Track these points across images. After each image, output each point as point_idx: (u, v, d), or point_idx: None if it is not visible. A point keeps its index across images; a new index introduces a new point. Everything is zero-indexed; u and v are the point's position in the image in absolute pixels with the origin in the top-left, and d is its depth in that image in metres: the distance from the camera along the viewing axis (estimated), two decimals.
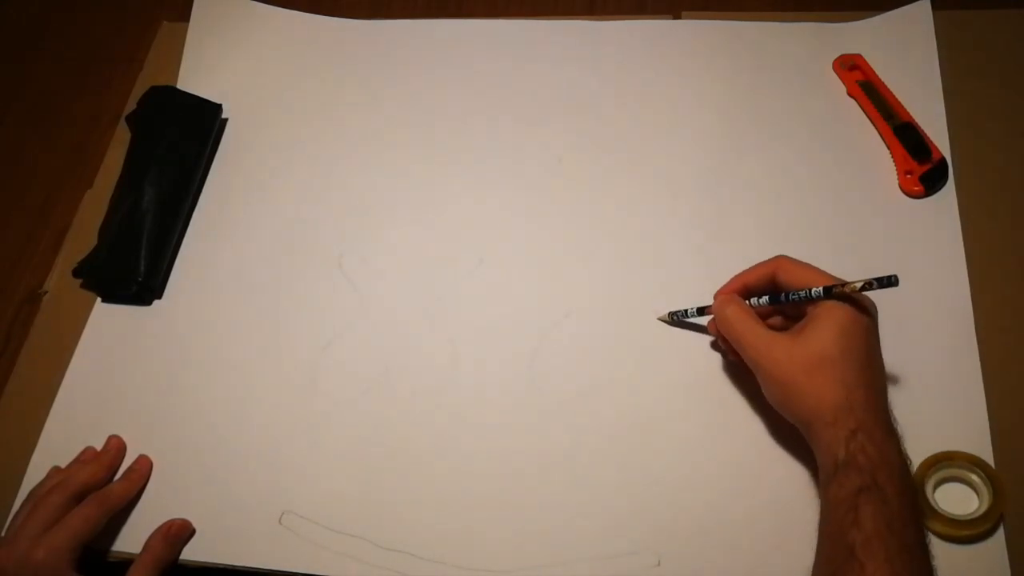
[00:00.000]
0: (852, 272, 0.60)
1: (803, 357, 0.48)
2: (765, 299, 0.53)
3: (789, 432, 0.52)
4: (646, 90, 0.70)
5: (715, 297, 0.55)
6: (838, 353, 0.47)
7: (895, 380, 0.56)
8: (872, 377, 0.48)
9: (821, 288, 0.49)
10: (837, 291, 0.49)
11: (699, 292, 0.59)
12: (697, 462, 0.54)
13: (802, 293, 0.50)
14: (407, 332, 0.61)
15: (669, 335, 0.59)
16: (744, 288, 0.54)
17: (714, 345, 0.58)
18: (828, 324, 0.48)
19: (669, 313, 0.59)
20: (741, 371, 0.55)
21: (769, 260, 0.53)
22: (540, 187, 0.67)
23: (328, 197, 0.68)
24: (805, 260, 0.60)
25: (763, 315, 0.54)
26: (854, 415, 0.46)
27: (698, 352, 0.58)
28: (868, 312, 0.49)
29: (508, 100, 0.71)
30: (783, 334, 0.51)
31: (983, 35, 0.70)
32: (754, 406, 0.55)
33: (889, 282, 0.47)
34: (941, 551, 0.50)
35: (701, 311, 0.57)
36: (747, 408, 0.55)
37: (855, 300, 0.49)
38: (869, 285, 0.47)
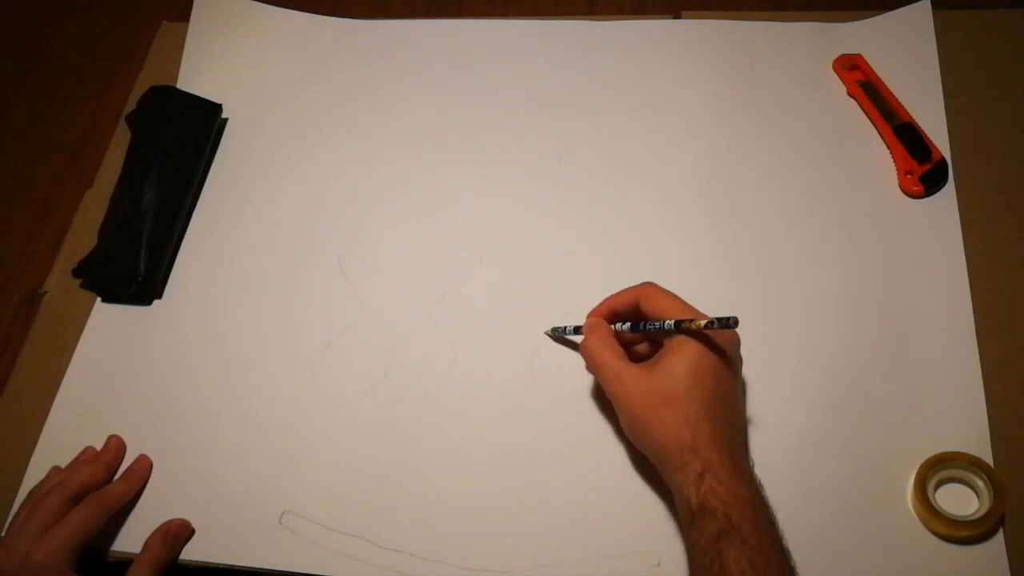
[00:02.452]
0: (854, 271, 0.60)
1: (652, 392, 0.49)
2: (628, 325, 0.53)
3: (788, 434, 0.52)
4: (646, 90, 0.70)
5: (586, 319, 0.56)
6: (684, 390, 0.48)
7: (896, 380, 0.56)
8: (720, 414, 0.48)
9: (672, 322, 0.49)
10: (685, 327, 0.49)
11: (697, 292, 0.59)
12: None
13: (656, 324, 0.51)
14: (407, 332, 0.61)
15: None
16: (611, 312, 0.54)
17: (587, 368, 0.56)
18: (678, 360, 0.49)
19: (552, 328, 0.59)
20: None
21: (636, 286, 0.53)
22: (540, 187, 0.67)
23: (328, 197, 0.68)
24: (806, 258, 0.60)
25: (632, 341, 0.54)
26: (699, 456, 0.46)
27: None
28: (720, 350, 0.49)
29: (508, 100, 0.71)
30: (638, 366, 0.51)
31: (983, 35, 0.70)
32: (754, 407, 0.55)
33: (727, 323, 0.47)
34: (941, 551, 0.50)
35: (577, 330, 0.57)
36: (747, 408, 0.55)
37: (708, 338, 0.49)
38: (711, 324, 0.48)
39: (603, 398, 0.57)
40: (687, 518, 0.46)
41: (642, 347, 0.55)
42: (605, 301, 0.55)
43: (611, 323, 0.54)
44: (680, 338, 0.49)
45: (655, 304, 0.51)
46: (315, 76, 0.75)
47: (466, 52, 0.75)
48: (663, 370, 0.49)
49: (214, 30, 0.77)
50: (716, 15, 0.74)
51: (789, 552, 0.45)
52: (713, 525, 0.44)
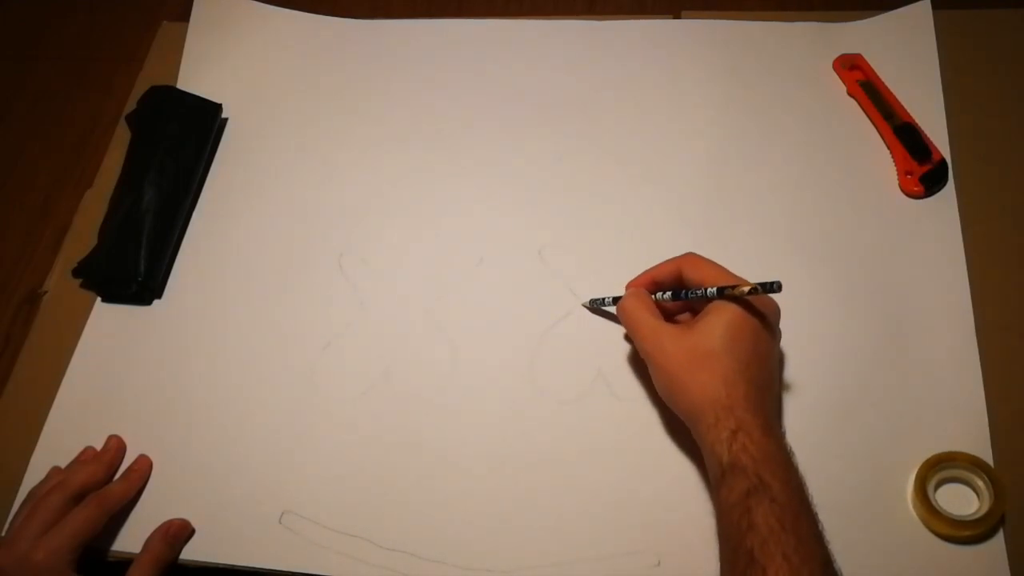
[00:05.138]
0: (854, 271, 0.60)
1: (689, 350, 0.49)
2: (668, 295, 0.54)
3: (789, 433, 0.52)
4: (646, 90, 0.70)
5: (626, 289, 0.57)
6: (721, 349, 0.48)
7: (896, 380, 0.56)
8: (755, 375, 0.49)
9: (715, 288, 0.50)
10: (728, 293, 0.50)
11: None
12: (697, 462, 0.54)
13: (699, 292, 0.52)
14: (407, 332, 0.61)
15: None
16: (652, 282, 0.56)
17: (625, 336, 0.59)
18: (716, 321, 0.49)
19: (590, 300, 0.60)
20: None
21: (679, 256, 0.54)
22: (540, 186, 0.67)
23: (328, 197, 0.68)
24: (806, 258, 0.61)
25: (671, 311, 0.56)
26: (734, 415, 0.47)
27: None
28: (760, 314, 0.50)
29: (508, 100, 0.71)
30: (675, 326, 0.52)
31: (983, 35, 0.70)
32: None
33: (771, 287, 0.48)
34: (941, 551, 0.50)
35: (616, 300, 0.57)
36: None
37: (748, 302, 0.50)
38: (755, 289, 0.48)
39: (602, 398, 0.57)
40: (717, 475, 0.47)
41: (683, 317, 0.56)
42: (646, 272, 0.56)
43: (652, 292, 0.55)
44: (720, 301, 0.50)
45: (698, 272, 0.52)
46: (315, 76, 0.75)
47: (466, 52, 0.75)
48: (702, 329, 0.50)
49: (214, 30, 0.77)
50: (716, 15, 0.74)
51: (817, 515, 0.45)
52: (743, 482, 0.45)
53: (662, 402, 0.56)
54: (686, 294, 0.53)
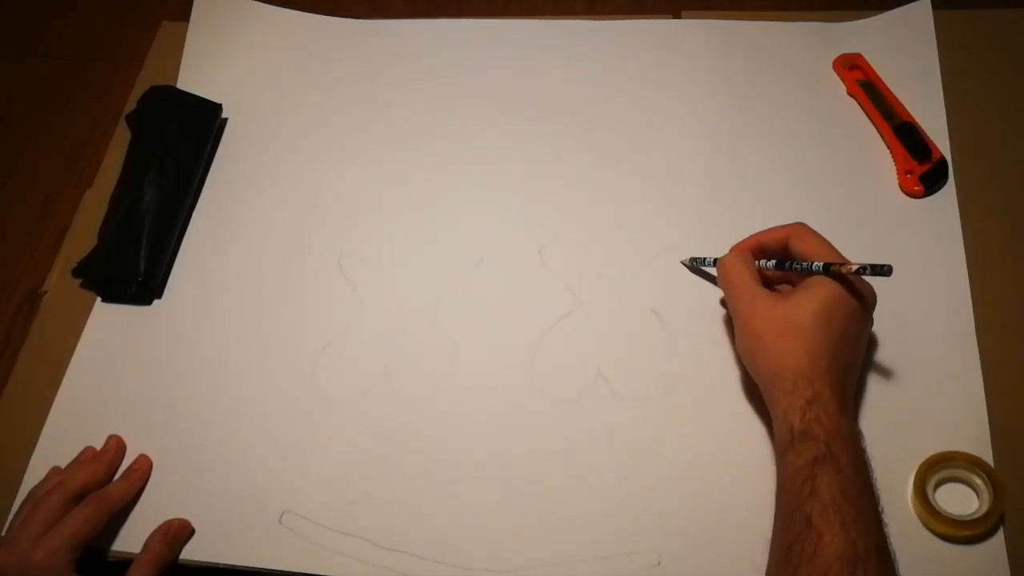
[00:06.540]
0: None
1: (780, 317, 0.50)
2: (772, 263, 0.54)
3: None
4: (646, 90, 0.70)
5: (730, 250, 0.57)
6: (812, 323, 0.49)
7: (896, 380, 0.56)
8: (841, 354, 0.49)
9: (821, 264, 0.51)
10: (834, 270, 0.50)
11: (699, 292, 0.59)
12: (697, 462, 0.54)
13: (804, 264, 0.52)
14: (407, 332, 0.61)
15: (671, 336, 0.59)
16: (758, 247, 0.56)
17: (722, 301, 0.59)
18: (813, 295, 0.50)
19: (691, 258, 0.60)
20: (744, 375, 0.55)
21: (788, 225, 0.55)
22: (540, 186, 0.67)
23: (328, 197, 0.68)
24: None
25: (771, 279, 0.56)
26: (812, 386, 0.47)
27: (699, 353, 0.58)
28: (859, 295, 0.50)
29: (507, 100, 0.71)
30: (770, 293, 0.52)
31: (983, 35, 0.70)
32: (756, 407, 0.55)
33: (882, 271, 0.48)
34: (941, 551, 0.50)
35: (715, 262, 0.57)
36: (749, 409, 0.55)
37: (848, 281, 0.50)
38: (863, 269, 0.49)
39: (602, 397, 0.57)
40: (785, 441, 0.47)
41: (782, 287, 0.56)
42: (753, 236, 0.56)
43: (756, 258, 0.55)
44: (820, 277, 0.50)
45: (806, 244, 0.52)
46: (315, 76, 0.75)
47: (466, 52, 0.75)
48: (797, 301, 0.50)
49: (214, 30, 0.77)
50: (716, 15, 0.74)
51: (879, 499, 0.46)
52: (812, 450, 0.45)
53: (662, 401, 0.56)
54: (790, 265, 0.53)
